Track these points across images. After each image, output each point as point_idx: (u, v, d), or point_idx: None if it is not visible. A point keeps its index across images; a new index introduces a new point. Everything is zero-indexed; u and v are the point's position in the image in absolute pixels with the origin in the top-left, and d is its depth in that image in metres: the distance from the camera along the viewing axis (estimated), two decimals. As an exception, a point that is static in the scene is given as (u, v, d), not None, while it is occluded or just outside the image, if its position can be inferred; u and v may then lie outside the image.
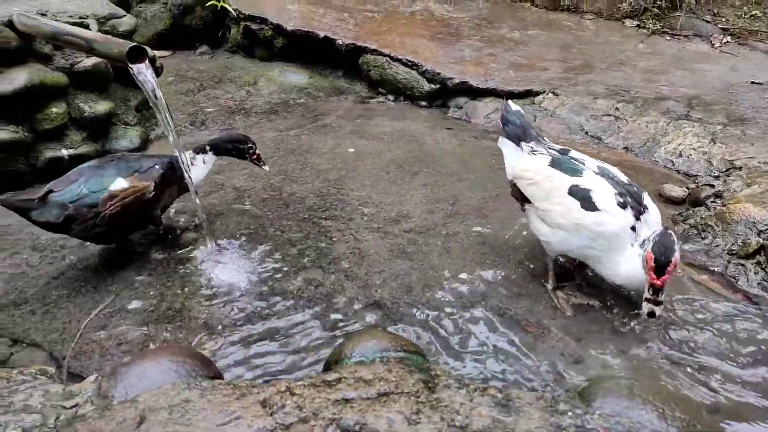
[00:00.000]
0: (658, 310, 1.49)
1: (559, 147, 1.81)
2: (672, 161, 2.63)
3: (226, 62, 4.09)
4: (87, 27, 2.58)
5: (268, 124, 3.23)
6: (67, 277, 1.92)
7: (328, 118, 3.33)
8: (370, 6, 4.20)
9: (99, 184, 1.81)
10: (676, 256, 1.45)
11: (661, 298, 1.48)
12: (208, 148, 2.09)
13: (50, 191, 1.78)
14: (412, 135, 3.08)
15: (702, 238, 2.04)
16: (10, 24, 2.33)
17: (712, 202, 2.19)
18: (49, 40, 2.29)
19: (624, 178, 1.69)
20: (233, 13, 3.93)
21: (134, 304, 1.78)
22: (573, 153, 1.77)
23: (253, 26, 3.94)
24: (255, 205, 2.36)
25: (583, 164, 1.70)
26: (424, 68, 3.47)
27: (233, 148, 2.12)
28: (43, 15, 2.45)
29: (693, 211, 2.20)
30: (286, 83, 3.78)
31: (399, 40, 3.73)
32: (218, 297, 1.83)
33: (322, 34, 3.76)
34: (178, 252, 2.05)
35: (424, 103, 3.53)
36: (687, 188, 2.38)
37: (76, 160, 2.57)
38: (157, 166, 1.94)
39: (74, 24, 2.52)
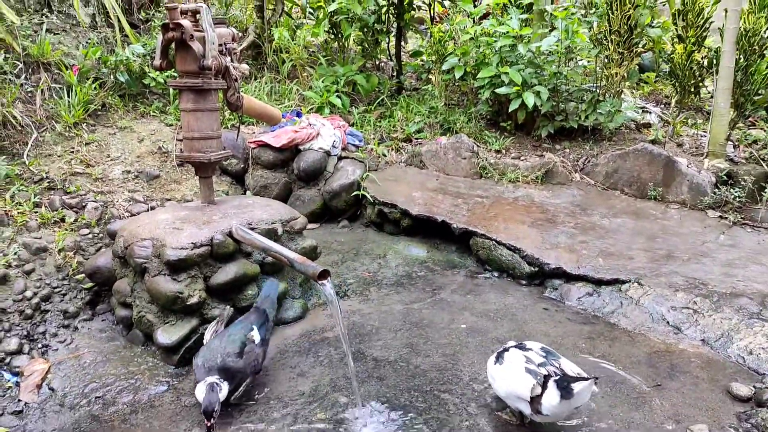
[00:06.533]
0: None
1: None
2: (743, 358, 3.04)
3: (361, 235, 5.07)
4: (276, 230, 3.60)
5: (396, 296, 4.02)
6: None
7: (444, 293, 4.07)
8: (479, 191, 5.07)
9: None
10: None
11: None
12: None
13: None
14: (513, 314, 3.72)
15: (761, 439, 2.44)
16: (230, 234, 3.38)
17: (773, 404, 2.59)
18: (259, 251, 3.28)
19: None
20: (370, 199, 4.96)
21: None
22: None
23: (386, 209, 4.92)
24: (390, 376, 3.06)
25: None
26: (525, 253, 4.17)
27: None
28: (249, 224, 3.49)
29: (756, 410, 2.60)
30: (409, 257, 4.62)
31: (503, 226, 4.50)
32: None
33: (440, 219, 4.64)
34: (335, 414, 2.76)
35: (524, 282, 4.19)
36: (753, 387, 2.78)
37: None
38: None
39: (268, 229, 3.57)
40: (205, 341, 2.90)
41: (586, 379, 2.21)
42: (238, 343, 2.75)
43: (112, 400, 2.94)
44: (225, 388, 2.59)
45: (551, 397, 2.24)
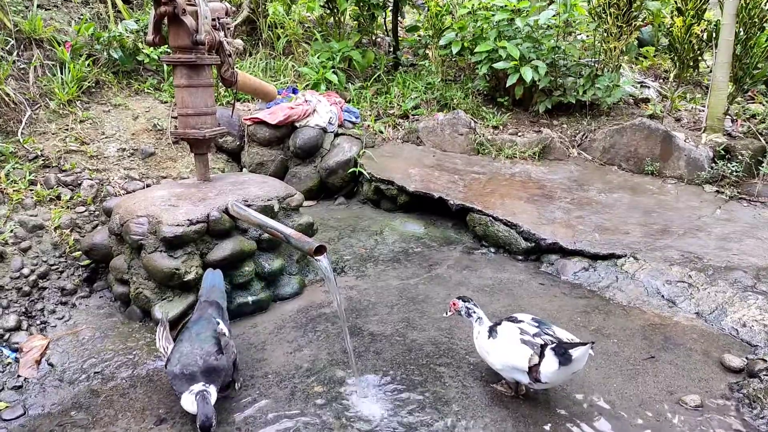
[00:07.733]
0: None
1: None
2: (737, 330, 3.07)
3: (358, 212, 5.07)
4: (273, 207, 3.60)
5: (393, 272, 4.03)
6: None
7: (440, 268, 4.08)
8: (477, 168, 5.06)
9: None
10: None
11: None
12: None
13: None
14: (510, 289, 3.74)
15: (752, 409, 2.48)
16: (226, 211, 3.37)
17: (764, 375, 2.62)
18: (254, 227, 3.28)
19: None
20: (367, 176, 4.95)
21: None
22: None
23: (382, 186, 4.91)
24: (386, 350, 3.08)
25: None
26: (521, 228, 4.18)
27: None
28: (245, 200, 3.49)
29: (747, 381, 2.63)
30: (406, 233, 4.63)
31: (500, 202, 4.50)
32: (364, 424, 2.52)
33: (437, 195, 4.63)
34: (332, 387, 2.79)
35: (520, 257, 4.21)
36: (746, 358, 2.81)
37: (256, 303, 3.49)
38: None
39: (264, 205, 3.57)
40: (161, 348, 2.71)
41: (584, 344, 2.24)
42: (212, 340, 2.53)
43: (111, 375, 2.96)
44: (213, 392, 2.38)
45: (550, 365, 2.28)
